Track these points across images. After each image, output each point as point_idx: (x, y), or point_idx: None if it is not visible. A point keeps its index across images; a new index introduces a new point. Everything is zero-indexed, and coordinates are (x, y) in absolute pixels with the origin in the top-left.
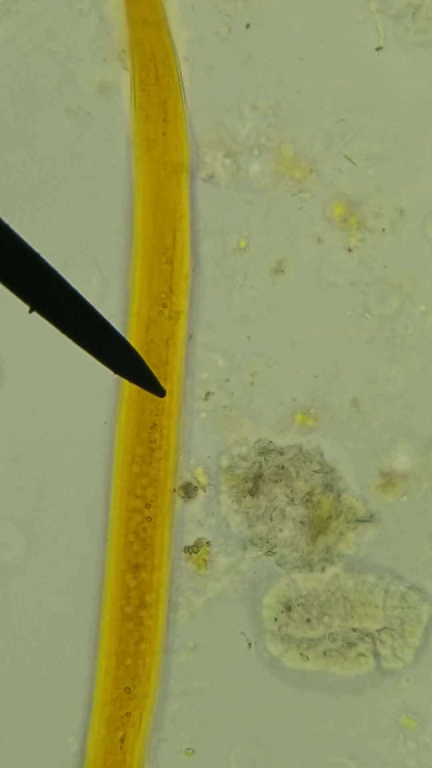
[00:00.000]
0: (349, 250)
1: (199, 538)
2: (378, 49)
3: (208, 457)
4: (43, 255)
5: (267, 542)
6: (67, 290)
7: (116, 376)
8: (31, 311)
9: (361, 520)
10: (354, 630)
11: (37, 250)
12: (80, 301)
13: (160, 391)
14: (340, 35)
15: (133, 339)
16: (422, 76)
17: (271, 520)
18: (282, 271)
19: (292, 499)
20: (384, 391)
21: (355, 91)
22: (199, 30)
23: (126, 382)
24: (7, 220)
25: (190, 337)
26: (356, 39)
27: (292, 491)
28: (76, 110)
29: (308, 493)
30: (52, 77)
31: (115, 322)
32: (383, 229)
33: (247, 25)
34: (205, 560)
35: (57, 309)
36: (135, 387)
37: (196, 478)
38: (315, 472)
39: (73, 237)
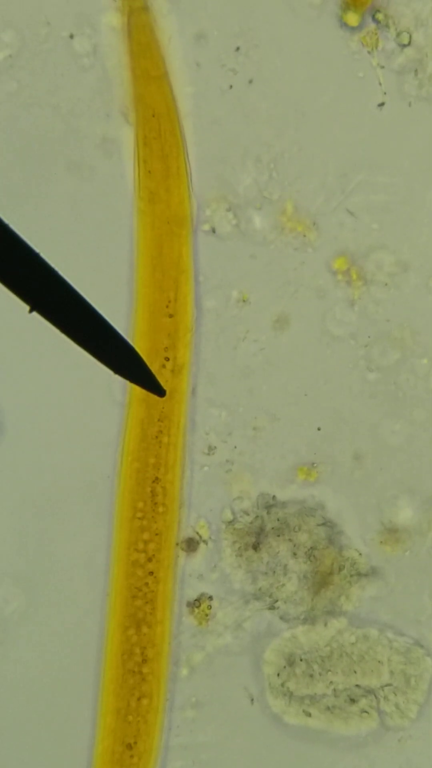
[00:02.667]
0: (352, 304)
1: (202, 594)
2: (380, 105)
3: (210, 510)
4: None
5: (269, 597)
6: (67, 290)
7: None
8: (31, 311)
9: (363, 574)
10: (357, 686)
11: (38, 250)
12: (80, 301)
13: (160, 391)
14: (342, 91)
15: (135, 393)
16: (424, 131)
17: (274, 574)
18: (284, 324)
19: (295, 554)
20: (387, 444)
21: (357, 146)
22: (202, 85)
23: (128, 436)
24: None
25: (193, 390)
26: (358, 94)
27: (294, 545)
28: (79, 165)
29: (311, 548)
30: (55, 132)
31: (117, 378)
32: (386, 283)
33: (250, 81)
34: (207, 615)
35: (57, 309)
36: (136, 440)
37: (198, 532)
38: (317, 525)
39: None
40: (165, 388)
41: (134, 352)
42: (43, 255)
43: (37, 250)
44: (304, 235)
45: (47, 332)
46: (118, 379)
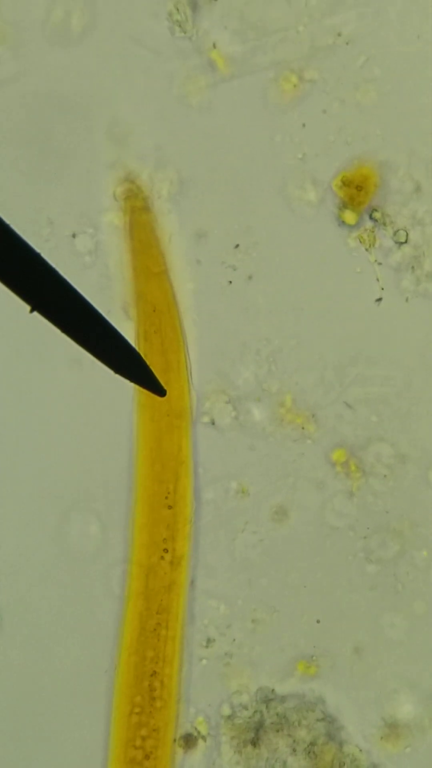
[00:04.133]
0: (351, 495)
1: None
2: (378, 300)
3: (209, 705)
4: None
5: None
6: (68, 290)
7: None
8: (32, 311)
9: None
10: None
11: (38, 250)
12: (80, 301)
13: (160, 391)
14: (340, 286)
15: (134, 586)
16: (421, 326)
17: None
18: (283, 516)
19: (294, 750)
20: (387, 638)
21: (355, 340)
22: (202, 281)
23: (126, 630)
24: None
25: (192, 582)
26: (356, 290)
27: (294, 741)
28: (80, 359)
29: (310, 743)
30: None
31: (115, 572)
32: (384, 475)
33: (250, 277)
34: None
35: (57, 309)
36: (134, 633)
37: (196, 728)
38: (317, 721)
39: (73, 485)
40: (163, 580)
41: (134, 352)
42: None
43: (37, 250)
44: (303, 427)
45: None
46: (116, 574)
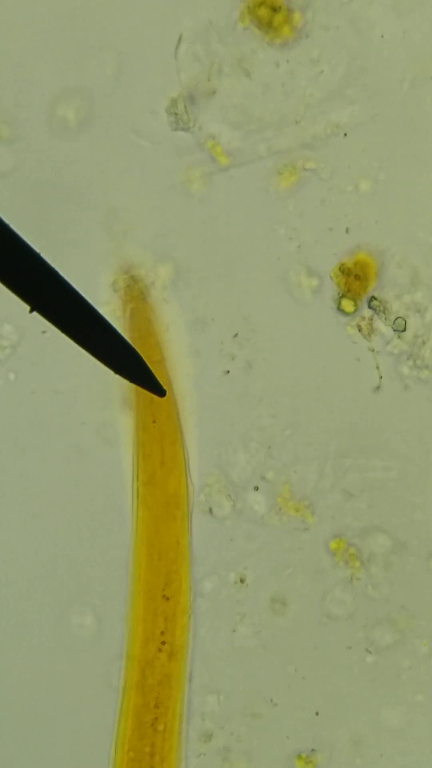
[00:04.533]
0: (350, 584)
1: None
2: (376, 388)
3: None
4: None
5: None
6: (68, 290)
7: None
8: (31, 311)
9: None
10: None
11: (38, 250)
12: (80, 300)
13: (160, 391)
14: (339, 374)
15: (130, 679)
16: (420, 413)
17: None
18: (282, 606)
19: None
20: (387, 728)
21: (353, 428)
22: (201, 369)
23: (122, 724)
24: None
25: (189, 675)
26: (354, 377)
27: None
28: (77, 450)
29: None
30: (55, 417)
31: (112, 667)
32: (383, 564)
33: (248, 366)
34: None
35: (57, 309)
36: (131, 728)
37: None
38: None
39: (70, 577)
40: (161, 673)
41: (134, 352)
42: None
43: (37, 250)
44: (301, 516)
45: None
46: (113, 667)
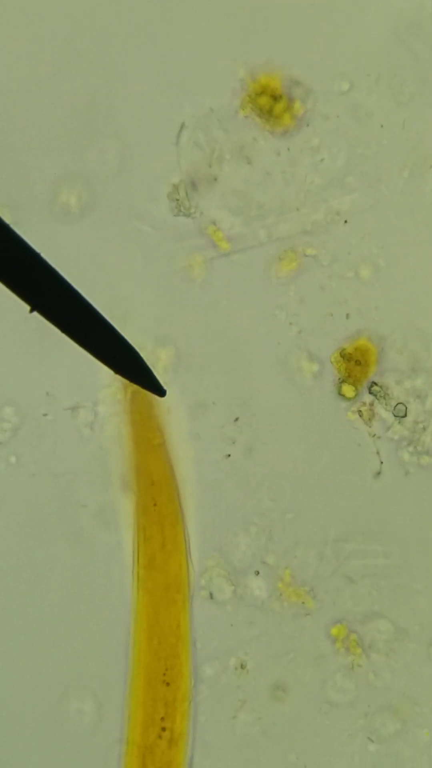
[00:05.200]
0: (351, 671)
1: None
2: (377, 474)
3: None
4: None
5: None
6: (68, 290)
7: None
8: (31, 311)
9: None
10: None
11: (38, 251)
12: (80, 300)
13: (160, 391)
14: (339, 459)
15: (131, 766)
16: (420, 499)
17: None
18: (283, 693)
19: None
20: None
21: (354, 513)
22: (201, 453)
23: None
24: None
25: (189, 762)
26: (355, 462)
27: None
28: (77, 533)
29: None
30: (54, 502)
31: (112, 753)
32: (385, 651)
33: (249, 450)
34: None
35: (57, 309)
36: None
37: None
38: None
39: (69, 662)
40: (161, 760)
41: (134, 352)
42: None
43: (37, 250)
44: (302, 602)
45: None
46: (113, 753)
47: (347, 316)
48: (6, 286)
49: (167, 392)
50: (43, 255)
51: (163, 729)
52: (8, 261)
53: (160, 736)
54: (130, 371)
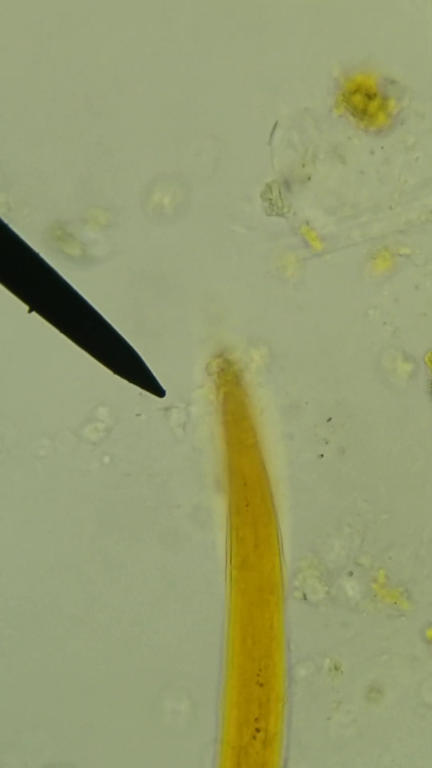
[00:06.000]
0: None
1: None
2: None
3: None
4: None
5: None
6: (67, 290)
7: None
8: (30, 311)
9: None
10: None
11: (37, 251)
12: (80, 301)
13: (159, 391)
14: None
15: (225, 766)
16: None
17: None
18: (378, 694)
19: None
20: None
21: None
22: (294, 454)
23: None
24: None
25: (284, 763)
26: None
27: None
28: (171, 533)
29: None
30: (148, 502)
31: (206, 753)
32: None
33: (342, 450)
34: None
35: (57, 309)
36: None
37: None
38: None
39: (165, 662)
40: (255, 761)
41: (134, 352)
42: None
43: (37, 250)
44: (397, 603)
45: None
46: (208, 754)
47: None
48: (6, 286)
49: (265, 390)
50: (42, 255)
51: (258, 730)
52: (8, 261)
53: (254, 737)
54: (129, 371)
